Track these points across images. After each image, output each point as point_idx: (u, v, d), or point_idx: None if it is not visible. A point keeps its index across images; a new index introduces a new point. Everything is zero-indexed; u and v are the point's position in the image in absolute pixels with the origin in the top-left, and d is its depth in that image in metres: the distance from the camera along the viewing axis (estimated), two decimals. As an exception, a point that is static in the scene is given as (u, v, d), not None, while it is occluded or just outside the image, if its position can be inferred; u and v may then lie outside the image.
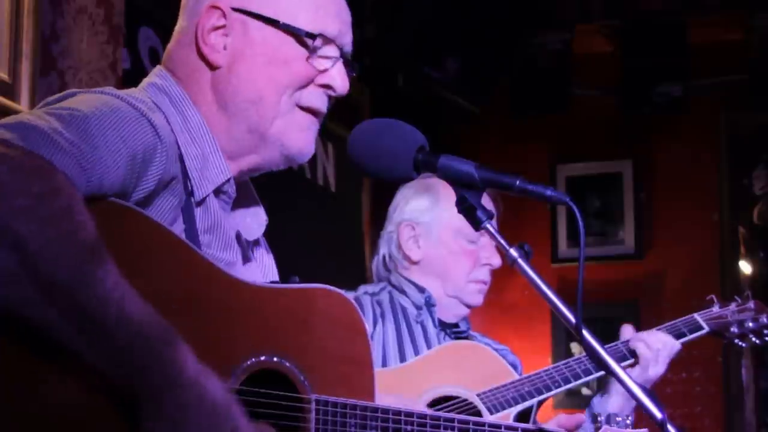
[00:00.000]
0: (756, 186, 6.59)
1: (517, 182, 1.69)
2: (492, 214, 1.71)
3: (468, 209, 1.71)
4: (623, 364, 2.91)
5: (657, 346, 2.94)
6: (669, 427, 1.56)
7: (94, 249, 1.43)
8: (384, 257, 3.15)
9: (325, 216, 5.26)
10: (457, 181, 1.73)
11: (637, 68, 6.13)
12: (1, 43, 2.98)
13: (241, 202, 1.93)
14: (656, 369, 2.94)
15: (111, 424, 1.50)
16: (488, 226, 1.69)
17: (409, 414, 1.90)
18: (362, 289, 3.12)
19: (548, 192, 1.69)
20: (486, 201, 2.93)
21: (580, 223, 1.64)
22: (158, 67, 1.89)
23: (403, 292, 3.08)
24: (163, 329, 1.48)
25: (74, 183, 1.48)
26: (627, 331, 3.00)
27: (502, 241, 1.68)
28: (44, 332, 1.42)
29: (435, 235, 3.05)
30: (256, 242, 1.99)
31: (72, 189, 1.46)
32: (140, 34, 3.97)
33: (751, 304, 3.14)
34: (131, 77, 3.66)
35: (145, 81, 1.86)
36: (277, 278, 2.01)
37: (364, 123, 1.84)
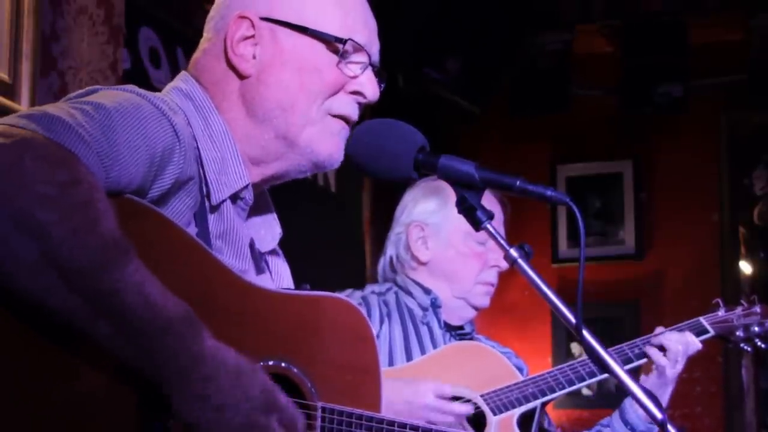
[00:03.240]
0: (756, 186, 6.59)
1: (517, 182, 1.69)
2: (492, 214, 1.71)
3: (468, 209, 1.71)
4: (602, 377, 2.94)
5: (678, 347, 2.95)
6: (669, 427, 1.55)
7: (115, 237, 1.44)
8: (391, 258, 3.15)
9: (325, 216, 5.26)
10: (457, 182, 1.72)
11: (638, 68, 6.14)
12: (1, 43, 2.98)
13: (257, 212, 1.93)
14: (675, 369, 2.95)
15: (136, 410, 1.52)
16: (488, 226, 1.69)
17: (414, 427, 1.90)
18: (369, 288, 3.12)
19: (548, 192, 1.68)
20: (493, 204, 2.94)
21: (581, 224, 1.64)
22: (184, 72, 1.89)
23: (408, 293, 3.07)
24: (183, 311, 1.49)
25: (95, 174, 1.49)
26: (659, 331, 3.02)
27: (502, 242, 1.68)
28: (67, 320, 1.44)
29: (444, 237, 3.05)
30: (273, 251, 1.99)
31: (94, 179, 1.47)
32: (140, 34, 3.97)
33: (757, 308, 3.14)
34: (131, 77, 3.66)
35: (170, 85, 1.87)
36: (291, 287, 2.01)
37: (364, 123, 1.84)
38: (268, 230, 1.95)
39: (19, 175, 1.38)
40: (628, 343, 3.00)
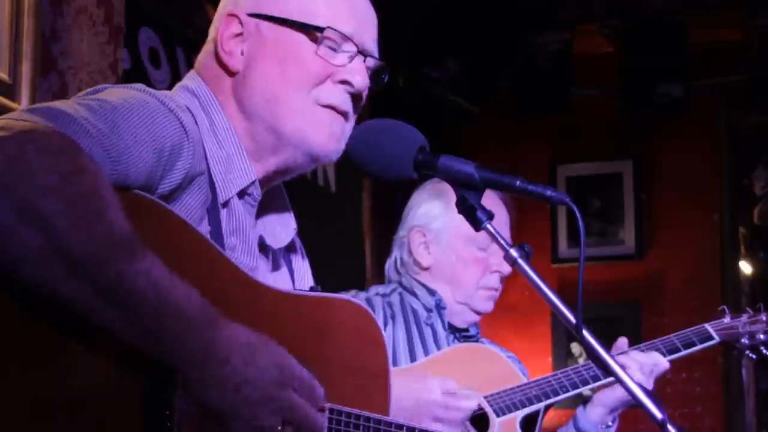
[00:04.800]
0: (756, 186, 6.59)
1: (517, 182, 1.70)
2: (492, 214, 1.71)
3: (468, 209, 1.71)
4: (605, 381, 2.91)
5: (648, 368, 2.92)
6: (669, 427, 1.55)
7: (122, 226, 1.45)
8: (396, 260, 3.15)
9: (325, 216, 5.25)
10: (457, 182, 1.73)
11: (638, 68, 6.14)
12: (1, 43, 2.98)
13: (271, 208, 1.94)
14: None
15: (143, 400, 1.52)
16: (488, 226, 1.69)
17: (423, 431, 1.90)
18: (374, 290, 3.12)
19: (548, 192, 1.69)
20: (498, 206, 2.94)
21: (581, 224, 1.64)
22: (192, 70, 1.92)
23: (413, 294, 3.07)
24: (193, 295, 1.50)
25: (100, 164, 1.49)
26: (621, 343, 2.98)
27: (503, 242, 1.68)
28: (75, 310, 1.44)
29: (445, 242, 3.04)
30: (292, 249, 2.00)
31: (98, 169, 1.47)
32: (140, 34, 3.97)
33: (762, 316, 3.14)
34: (131, 77, 3.66)
35: (179, 84, 1.89)
36: (312, 284, 2.01)
37: (364, 123, 1.84)
38: (283, 226, 1.96)
39: (23, 165, 1.39)
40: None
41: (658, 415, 1.56)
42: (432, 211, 3.07)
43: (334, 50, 1.84)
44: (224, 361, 1.51)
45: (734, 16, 6.14)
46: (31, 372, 1.45)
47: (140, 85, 1.71)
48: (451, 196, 2.99)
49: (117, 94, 1.64)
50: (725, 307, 3.17)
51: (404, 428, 1.85)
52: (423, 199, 3.10)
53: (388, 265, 3.19)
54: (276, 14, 1.84)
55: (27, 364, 1.45)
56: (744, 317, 3.14)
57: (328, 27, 1.83)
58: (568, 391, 2.89)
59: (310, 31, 1.83)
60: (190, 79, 1.88)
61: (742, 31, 6.16)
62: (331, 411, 1.76)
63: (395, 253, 3.15)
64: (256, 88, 1.82)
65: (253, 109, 1.83)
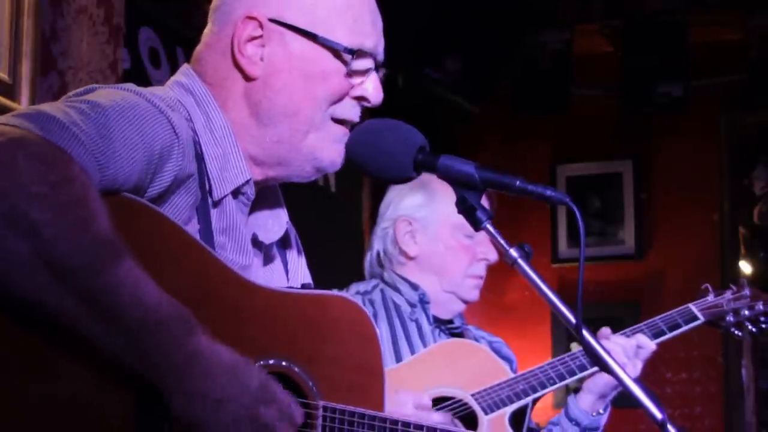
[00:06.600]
0: (756, 186, 6.59)
1: (517, 182, 1.70)
2: (492, 214, 1.71)
3: (468, 209, 1.71)
4: (591, 371, 2.89)
5: (632, 351, 2.90)
6: (669, 427, 1.56)
7: (108, 236, 1.44)
8: (378, 254, 3.14)
9: (325, 216, 5.25)
10: (457, 182, 1.73)
11: (638, 68, 6.14)
12: (1, 43, 2.98)
13: (264, 204, 1.93)
14: (633, 372, 2.89)
15: (128, 410, 1.51)
16: (488, 226, 1.69)
17: (419, 426, 1.90)
18: (353, 288, 3.10)
19: (548, 192, 1.69)
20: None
21: (581, 224, 1.64)
22: (186, 65, 1.88)
23: (396, 289, 3.06)
24: (177, 310, 1.50)
25: (89, 173, 1.48)
26: (604, 333, 2.97)
27: (502, 241, 1.68)
28: (60, 319, 1.44)
29: (432, 231, 3.04)
30: (287, 244, 1.99)
31: (87, 178, 1.47)
32: (140, 34, 3.97)
33: (746, 291, 3.08)
34: (131, 77, 3.66)
35: (172, 79, 1.86)
36: (308, 279, 2.01)
37: (364, 123, 1.84)
38: (275, 220, 1.95)
39: (12, 174, 1.38)
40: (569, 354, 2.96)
41: (658, 415, 1.57)
42: (415, 202, 3.07)
43: (355, 69, 1.83)
44: (205, 375, 1.51)
45: (734, 16, 6.14)
46: (21, 382, 1.45)
47: (130, 85, 1.70)
48: (434, 186, 3.02)
49: (106, 95, 1.62)
50: (708, 285, 3.13)
51: (399, 423, 1.85)
52: (405, 191, 3.09)
53: (369, 260, 3.19)
54: (304, 27, 1.80)
55: (17, 374, 1.45)
56: (728, 294, 3.08)
57: (359, 49, 1.81)
58: (555, 383, 2.88)
59: (340, 51, 1.80)
60: (184, 75, 1.85)
61: (742, 31, 6.16)
62: (326, 408, 1.76)
63: (376, 246, 3.15)
64: (276, 100, 1.80)
65: (270, 119, 1.81)
